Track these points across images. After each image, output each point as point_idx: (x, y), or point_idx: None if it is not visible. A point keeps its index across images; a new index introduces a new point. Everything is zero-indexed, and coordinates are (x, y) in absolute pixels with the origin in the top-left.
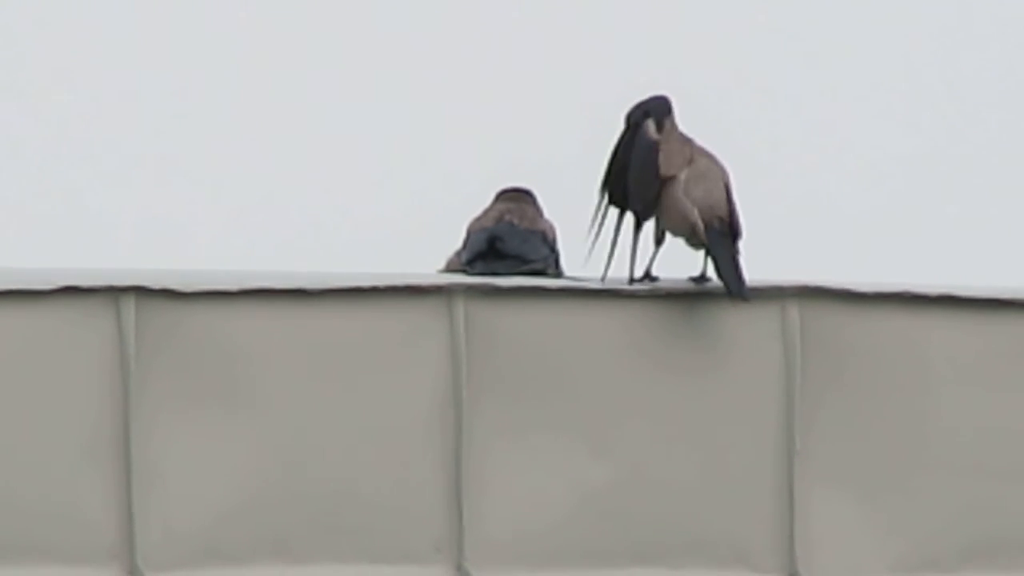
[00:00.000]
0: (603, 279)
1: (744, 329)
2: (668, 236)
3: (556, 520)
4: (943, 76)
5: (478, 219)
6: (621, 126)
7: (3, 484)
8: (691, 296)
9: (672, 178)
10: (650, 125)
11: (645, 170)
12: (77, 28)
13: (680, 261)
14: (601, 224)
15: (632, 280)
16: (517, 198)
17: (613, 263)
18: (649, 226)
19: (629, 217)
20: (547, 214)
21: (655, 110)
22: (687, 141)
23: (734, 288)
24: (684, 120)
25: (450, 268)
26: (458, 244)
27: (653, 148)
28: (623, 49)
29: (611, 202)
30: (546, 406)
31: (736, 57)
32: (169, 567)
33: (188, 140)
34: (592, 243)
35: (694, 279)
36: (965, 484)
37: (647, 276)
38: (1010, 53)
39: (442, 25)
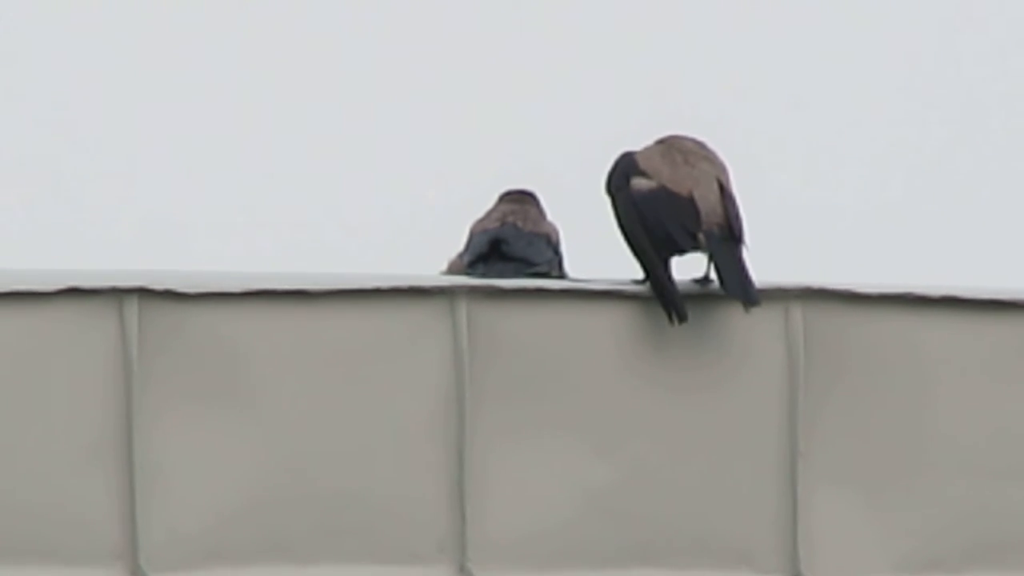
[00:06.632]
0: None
1: (747, 330)
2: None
3: (559, 520)
4: (946, 76)
5: (481, 221)
6: (607, 196)
7: (6, 485)
8: (694, 297)
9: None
10: (638, 182)
11: (679, 214)
12: (79, 28)
13: (683, 262)
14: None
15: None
16: (520, 200)
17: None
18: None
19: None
20: (550, 216)
21: (627, 168)
22: (668, 152)
23: (741, 295)
24: (685, 123)
25: (452, 270)
26: (460, 246)
27: (662, 192)
28: (625, 51)
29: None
30: (549, 407)
31: (737, 58)
32: (172, 568)
33: (189, 139)
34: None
35: (697, 281)
36: (968, 484)
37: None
38: (1013, 53)
39: (443, 26)
